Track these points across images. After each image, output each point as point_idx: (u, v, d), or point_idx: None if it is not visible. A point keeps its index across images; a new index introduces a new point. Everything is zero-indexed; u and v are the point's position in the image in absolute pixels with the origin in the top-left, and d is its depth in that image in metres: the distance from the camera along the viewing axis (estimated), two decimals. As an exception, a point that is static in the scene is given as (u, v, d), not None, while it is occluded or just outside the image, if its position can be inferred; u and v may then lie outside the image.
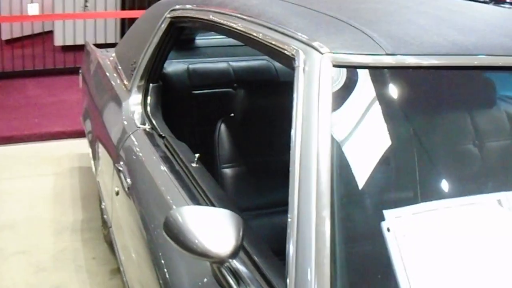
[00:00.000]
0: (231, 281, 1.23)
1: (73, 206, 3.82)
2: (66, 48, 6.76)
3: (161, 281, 1.58)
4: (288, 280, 1.10)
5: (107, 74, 2.96)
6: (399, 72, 1.35)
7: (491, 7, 2.37)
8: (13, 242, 3.35)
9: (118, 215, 2.30)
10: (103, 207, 3.10)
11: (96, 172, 3.11)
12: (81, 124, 3.81)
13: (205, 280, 1.34)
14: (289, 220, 1.16)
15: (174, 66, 2.95)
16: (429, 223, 1.10)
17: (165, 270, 1.58)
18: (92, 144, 3.18)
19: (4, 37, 6.94)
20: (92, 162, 3.25)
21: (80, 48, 4.65)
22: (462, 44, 1.44)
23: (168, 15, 2.41)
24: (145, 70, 2.49)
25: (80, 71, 3.92)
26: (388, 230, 1.08)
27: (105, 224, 3.24)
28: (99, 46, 3.83)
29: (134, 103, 2.47)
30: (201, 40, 3.43)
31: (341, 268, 1.09)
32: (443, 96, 1.46)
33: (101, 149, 2.82)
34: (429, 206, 1.13)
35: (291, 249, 1.13)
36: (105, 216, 3.02)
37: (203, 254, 1.16)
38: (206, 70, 2.94)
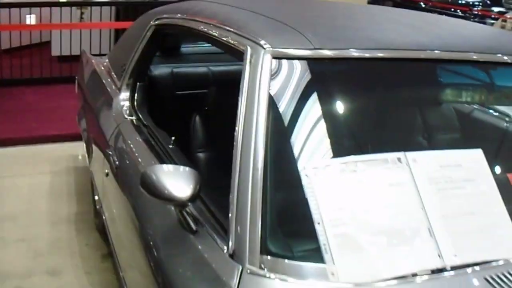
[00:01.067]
0: (191, 222, 1.59)
1: (68, 200, 4.14)
2: (62, 59, 7.07)
3: (141, 236, 1.92)
4: (230, 216, 1.45)
5: (101, 76, 3.31)
6: (323, 62, 1.71)
7: (418, 13, 2.72)
8: (13, 232, 3.66)
9: (108, 193, 2.64)
10: (96, 198, 3.43)
11: (89, 163, 3.44)
12: (76, 128, 4.14)
13: (172, 224, 1.69)
14: (232, 177, 1.51)
15: (161, 69, 3.29)
16: (338, 173, 1.45)
17: (141, 223, 1.93)
18: (86, 139, 3.52)
19: (3, 47, 7.26)
20: (86, 155, 3.59)
21: (75, 58, 5.00)
22: (381, 40, 1.82)
23: (153, 23, 2.77)
24: (133, 71, 2.83)
25: (76, 77, 4.25)
26: (307, 176, 1.43)
27: (97, 215, 3.57)
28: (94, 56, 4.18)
29: (123, 99, 2.81)
30: (186, 48, 3.79)
31: (270, 203, 1.44)
32: (359, 80, 1.82)
33: (94, 141, 3.16)
34: (339, 160, 1.48)
35: (234, 196, 1.48)
36: (97, 202, 3.36)
37: (169, 199, 1.51)
38: (188, 73, 3.29)
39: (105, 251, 3.46)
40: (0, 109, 5.79)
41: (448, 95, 2.04)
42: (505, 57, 1.94)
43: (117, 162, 2.43)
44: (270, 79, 1.62)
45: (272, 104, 1.61)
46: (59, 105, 5.96)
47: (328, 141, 1.56)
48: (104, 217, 2.85)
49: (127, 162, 2.35)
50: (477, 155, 1.63)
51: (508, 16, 10.78)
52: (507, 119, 2.09)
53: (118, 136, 2.58)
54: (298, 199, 1.42)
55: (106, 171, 2.59)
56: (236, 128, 1.57)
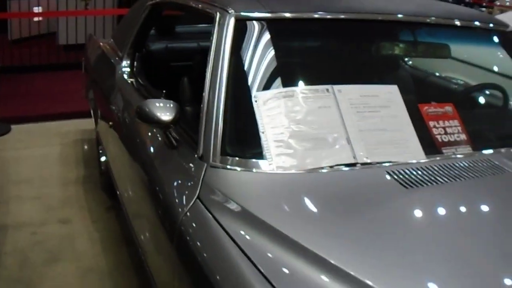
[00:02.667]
0: (172, 140, 2.10)
1: (76, 166, 4.65)
2: (68, 47, 7.62)
3: (135, 157, 2.45)
4: (199, 130, 1.97)
5: (105, 51, 3.83)
6: (272, 21, 2.22)
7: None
8: (29, 192, 4.17)
9: (111, 140, 3.16)
10: (102, 159, 3.94)
11: (96, 126, 3.96)
12: (82, 107, 4.66)
13: (159, 145, 2.20)
14: (202, 103, 2.02)
15: (157, 45, 3.80)
16: (280, 98, 1.95)
17: (136, 149, 2.46)
18: (93, 106, 4.03)
19: (13, 37, 7.78)
20: (93, 119, 4.11)
21: (80, 47, 5.52)
22: (315, 5, 2.34)
23: (149, 3, 3.28)
24: (133, 43, 3.34)
25: (83, 59, 4.77)
26: (256, 101, 1.94)
27: (102, 175, 4.08)
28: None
29: (124, 66, 3.32)
30: (180, 28, 4.30)
31: (229, 120, 1.94)
32: (300, 34, 2.33)
33: (99, 105, 3.68)
34: (281, 89, 1.99)
35: (203, 116, 1.99)
36: (102, 163, 3.86)
37: (157, 122, 2.02)
38: (180, 47, 3.80)
39: (109, 205, 3.97)
40: (14, 92, 6.32)
41: (376, 47, 2.54)
42: (428, 20, 2.46)
43: (118, 114, 2.95)
44: (233, 35, 2.14)
45: (234, 53, 2.11)
46: (67, 88, 6.48)
47: (275, 78, 2.07)
48: (107, 162, 3.37)
49: (126, 111, 2.86)
50: (393, 89, 2.12)
51: (498, 4, 11.27)
52: (421, 66, 2.61)
53: (119, 94, 3.10)
54: (249, 117, 1.92)
55: (110, 123, 3.10)
56: (207, 69, 2.08)
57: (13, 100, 6.04)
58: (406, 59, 2.81)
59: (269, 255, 1.50)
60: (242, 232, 1.59)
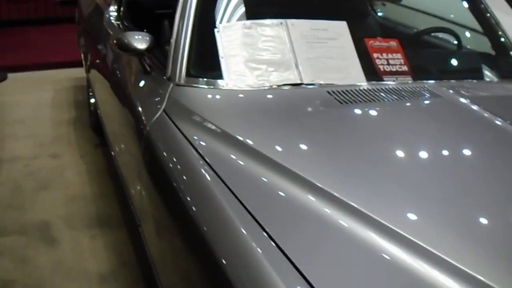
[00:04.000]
0: (146, 66, 2.38)
1: (68, 109, 4.95)
2: (64, 2, 7.85)
3: (116, 85, 2.74)
4: (168, 56, 2.25)
5: (96, 0, 4.10)
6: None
7: None
8: (23, 130, 4.48)
9: (98, 76, 3.44)
10: (91, 101, 4.23)
11: (86, 68, 4.24)
12: (75, 57, 4.92)
13: (135, 72, 2.49)
14: (172, 33, 2.30)
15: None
16: (238, 29, 2.23)
17: (117, 77, 2.76)
18: (84, 51, 4.30)
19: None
20: (84, 63, 4.38)
21: (75, 2, 5.76)
22: None
23: None
24: (119, -10, 3.61)
25: (76, 10, 5.03)
26: (218, 31, 2.22)
27: (91, 116, 4.37)
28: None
29: (111, 11, 3.59)
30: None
31: (194, 47, 2.22)
32: None
33: (89, 49, 3.95)
34: (240, 22, 2.27)
35: (172, 43, 2.27)
36: (91, 104, 4.15)
37: (134, 50, 2.30)
38: None
39: (97, 142, 4.26)
40: (11, 44, 6.61)
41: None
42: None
43: (104, 51, 3.22)
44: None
45: None
46: (61, 40, 6.74)
47: (236, 12, 2.34)
48: (96, 102, 3.66)
49: (111, 49, 3.14)
50: (341, 24, 2.39)
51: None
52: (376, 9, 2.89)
53: (106, 34, 3.37)
54: (212, 45, 2.20)
55: (98, 61, 3.38)
56: (177, 4, 2.35)
57: (10, 51, 6.33)
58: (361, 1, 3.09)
59: (224, 157, 1.73)
60: (201, 138, 1.86)
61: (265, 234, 1.34)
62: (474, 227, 1.46)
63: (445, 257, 1.26)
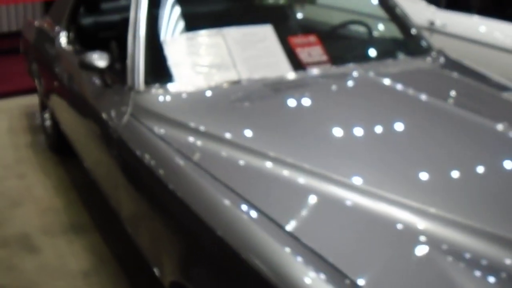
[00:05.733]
0: (108, 80, 2.78)
1: (24, 134, 5.23)
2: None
3: (80, 101, 3.14)
4: (127, 68, 2.66)
5: (44, 27, 4.45)
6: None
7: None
8: (-15, 158, 4.76)
9: (59, 101, 3.83)
10: (46, 124, 4.56)
11: (42, 93, 4.57)
12: (22, 85, 5.29)
13: (97, 87, 2.91)
14: (127, 46, 2.71)
15: (87, 20, 4.44)
16: (183, 41, 2.68)
17: (80, 94, 3.17)
18: (37, 77, 4.63)
19: None
20: (38, 86, 4.70)
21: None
22: None
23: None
24: (68, 17, 3.97)
25: (20, 39, 5.36)
26: (166, 44, 2.66)
27: (49, 137, 4.70)
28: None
29: (62, 36, 3.95)
30: (105, 5, 4.95)
31: (149, 58, 2.65)
32: None
33: (43, 72, 4.31)
34: (184, 35, 2.72)
35: (129, 57, 2.68)
36: (47, 125, 4.49)
37: (95, 68, 2.71)
38: (105, 21, 4.46)
39: (57, 160, 4.60)
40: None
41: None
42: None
43: (61, 73, 3.61)
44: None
45: (149, 10, 2.79)
46: (6, 70, 7.00)
47: (181, 26, 2.79)
48: (56, 122, 4.03)
49: (67, 69, 3.53)
50: (267, 28, 2.86)
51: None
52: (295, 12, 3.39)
53: (62, 58, 3.75)
54: (162, 57, 2.62)
55: (56, 83, 3.75)
56: (129, 24, 2.76)
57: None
58: (283, 6, 3.60)
59: (188, 142, 2.16)
60: (165, 131, 2.29)
61: (238, 196, 1.77)
62: (406, 172, 1.92)
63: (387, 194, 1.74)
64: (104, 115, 2.72)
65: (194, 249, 1.87)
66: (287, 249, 1.52)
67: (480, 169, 1.93)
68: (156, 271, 2.21)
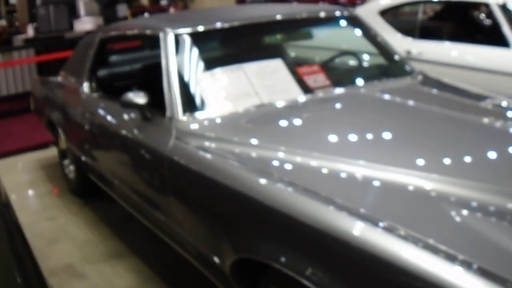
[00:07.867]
0: (148, 114, 3.27)
1: (45, 183, 5.66)
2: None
3: (123, 138, 3.63)
4: (166, 104, 3.18)
5: (61, 82, 4.96)
6: (196, 33, 3.42)
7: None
8: (14, 204, 5.13)
9: (90, 145, 4.31)
10: (64, 163, 5.01)
11: (65, 141, 5.02)
12: (36, 140, 5.88)
13: (138, 121, 3.41)
14: (164, 89, 3.22)
15: (102, 72, 4.96)
16: (209, 76, 3.22)
17: (122, 130, 3.65)
18: (61, 129, 5.06)
19: None
20: (62, 138, 5.14)
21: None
22: (227, 18, 3.61)
23: (99, 35, 4.46)
24: (89, 68, 4.49)
25: (31, 100, 5.87)
26: (198, 80, 3.20)
27: (71, 183, 5.15)
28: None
29: (86, 86, 4.46)
30: (114, 58, 5.48)
31: (183, 94, 3.18)
32: (219, 38, 3.61)
33: (68, 121, 4.78)
34: (209, 71, 3.26)
35: (166, 95, 3.20)
36: (69, 171, 4.94)
37: (136, 105, 3.21)
38: (117, 72, 4.99)
39: (82, 202, 5.04)
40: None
41: (272, 38, 3.87)
42: (298, 16, 3.79)
43: (90, 117, 4.12)
44: (175, 44, 3.35)
45: (177, 55, 3.32)
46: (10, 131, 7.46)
47: (207, 65, 3.29)
48: (85, 166, 4.50)
49: (96, 112, 4.03)
50: (278, 61, 3.41)
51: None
52: (299, 46, 3.98)
53: (87, 105, 4.26)
54: (195, 90, 3.15)
55: (86, 128, 4.23)
56: (162, 68, 3.27)
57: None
58: (288, 44, 4.19)
59: (236, 152, 2.64)
60: (212, 146, 2.78)
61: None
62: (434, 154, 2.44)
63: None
64: (149, 143, 3.19)
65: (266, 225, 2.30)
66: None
67: (478, 150, 2.49)
68: (216, 259, 2.67)
